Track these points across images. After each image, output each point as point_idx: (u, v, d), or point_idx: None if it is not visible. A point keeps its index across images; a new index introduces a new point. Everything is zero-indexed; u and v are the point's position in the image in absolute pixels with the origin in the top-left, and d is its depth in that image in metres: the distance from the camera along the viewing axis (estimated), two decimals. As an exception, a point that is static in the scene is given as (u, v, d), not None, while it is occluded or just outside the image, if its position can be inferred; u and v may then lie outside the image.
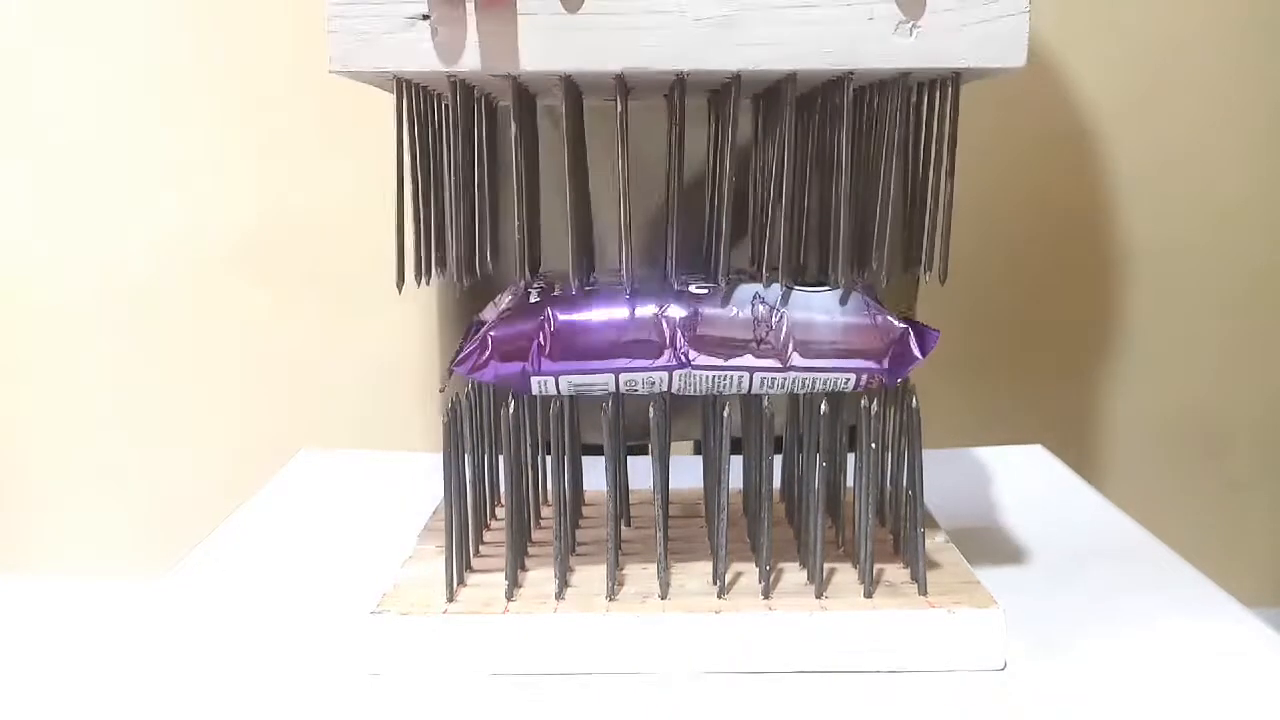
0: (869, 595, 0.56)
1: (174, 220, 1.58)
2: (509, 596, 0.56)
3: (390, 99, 0.56)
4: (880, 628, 0.54)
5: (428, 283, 0.59)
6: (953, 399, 0.93)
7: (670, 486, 0.58)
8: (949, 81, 0.56)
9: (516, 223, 0.56)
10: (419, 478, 0.82)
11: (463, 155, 0.57)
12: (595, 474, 0.62)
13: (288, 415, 1.62)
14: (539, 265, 0.64)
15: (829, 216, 0.59)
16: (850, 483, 0.63)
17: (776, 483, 0.69)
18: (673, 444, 0.62)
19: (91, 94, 1.55)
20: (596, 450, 0.64)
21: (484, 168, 0.58)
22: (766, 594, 0.56)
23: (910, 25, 0.52)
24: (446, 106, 0.58)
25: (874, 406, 0.57)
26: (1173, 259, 1.58)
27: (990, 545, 0.70)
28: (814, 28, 0.52)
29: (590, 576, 0.58)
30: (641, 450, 0.71)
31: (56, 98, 1.56)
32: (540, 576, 0.59)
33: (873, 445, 0.58)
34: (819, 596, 0.56)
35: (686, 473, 0.69)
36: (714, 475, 0.61)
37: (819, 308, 0.56)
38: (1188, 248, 1.58)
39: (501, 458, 0.61)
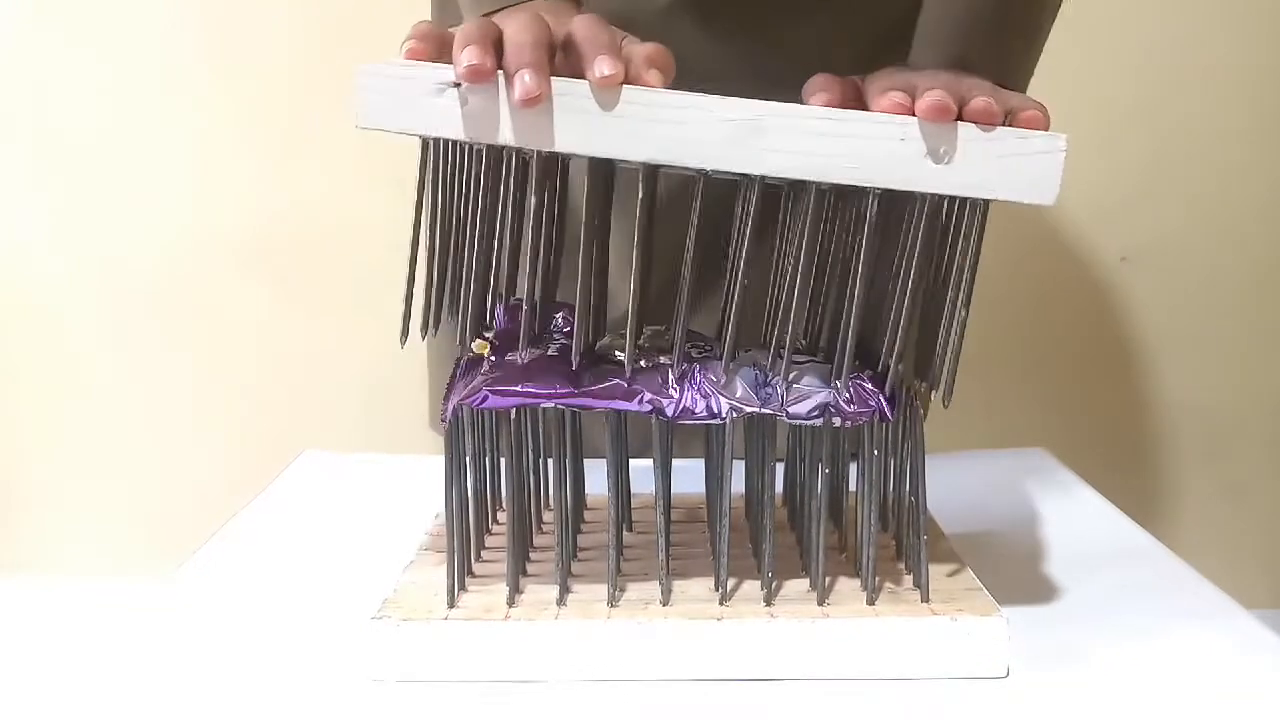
0: (871, 602, 0.56)
1: (177, 221, 1.58)
2: (510, 602, 0.56)
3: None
4: (883, 635, 0.54)
5: (434, 334, 0.59)
6: (953, 404, 0.92)
7: (672, 492, 0.58)
8: (977, 206, 0.54)
9: (528, 286, 0.55)
10: (421, 481, 0.82)
11: (485, 212, 0.55)
12: (597, 479, 0.62)
13: (290, 416, 1.62)
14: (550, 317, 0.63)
15: (842, 314, 0.58)
16: (852, 488, 0.62)
17: (778, 488, 0.68)
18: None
19: (96, 94, 1.55)
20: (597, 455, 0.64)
21: (505, 224, 0.57)
22: (768, 601, 0.56)
23: (943, 151, 0.51)
24: (470, 159, 0.57)
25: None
26: (1173, 260, 1.58)
27: (993, 551, 0.70)
28: (843, 141, 0.51)
29: (592, 583, 0.58)
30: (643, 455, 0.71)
31: (61, 98, 1.56)
32: (541, 582, 0.58)
33: (875, 451, 0.57)
34: (821, 603, 0.56)
35: (688, 478, 0.69)
36: (716, 481, 0.61)
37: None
38: (1188, 249, 1.58)
39: (503, 463, 0.61)
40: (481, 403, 0.55)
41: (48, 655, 0.57)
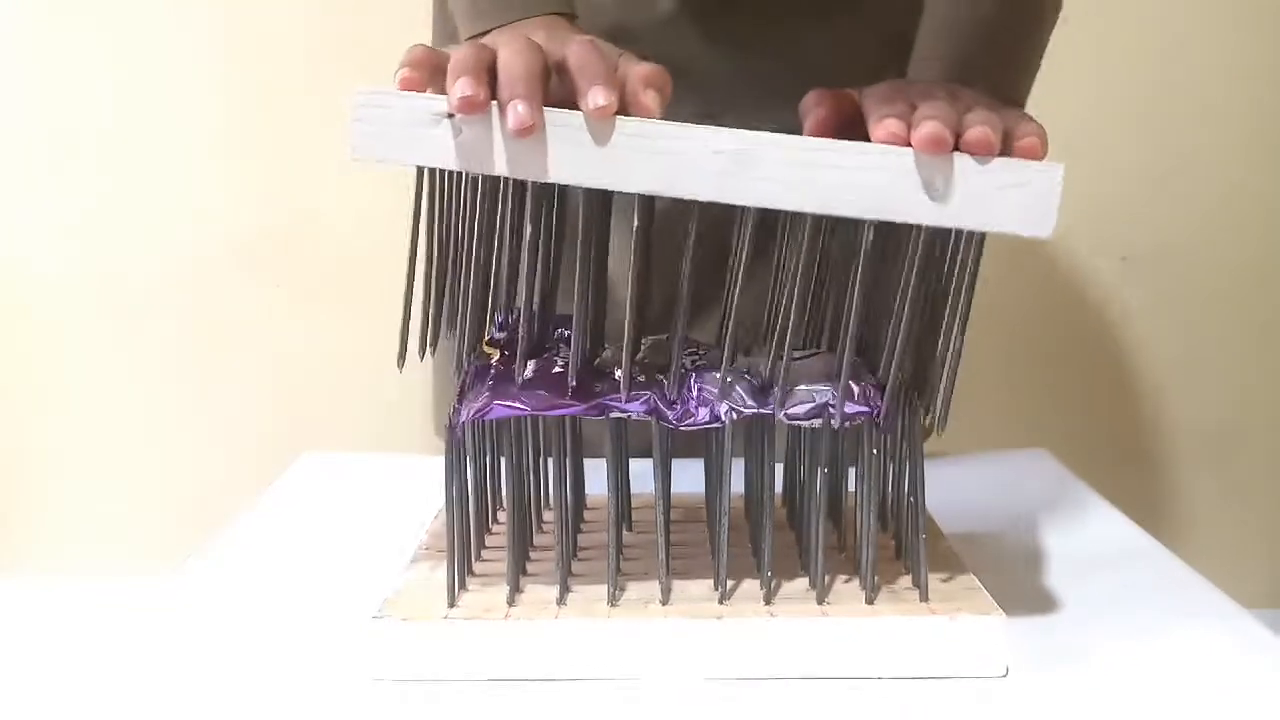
0: (871, 601, 0.56)
1: (177, 222, 1.58)
2: (510, 602, 0.56)
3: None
4: (882, 634, 0.54)
5: (433, 354, 0.59)
6: (953, 404, 0.92)
7: (672, 492, 0.58)
8: (973, 237, 0.53)
9: (525, 308, 0.56)
10: (421, 481, 0.82)
11: (482, 237, 0.55)
12: (596, 478, 0.62)
13: (291, 416, 1.62)
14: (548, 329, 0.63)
15: (839, 330, 0.58)
16: (852, 488, 0.62)
17: (778, 487, 0.68)
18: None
19: (97, 95, 1.55)
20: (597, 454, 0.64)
21: (502, 247, 0.57)
22: (768, 600, 0.56)
23: (938, 185, 0.51)
24: (466, 185, 0.57)
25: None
26: (1174, 260, 1.58)
27: (992, 550, 0.70)
28: (834, 173, 0.51)
29: (592, 582, 0.58)
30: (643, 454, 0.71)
31: (62, 99, 1.56)
32: (541, 582, 0.58)
33: (874, 451, 0.57)
34: (820, 602, 0.56)
35: (688, 477, 0.69)
36: (715, 480, 0.61)
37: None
38: (1189, 248, 1.58)
39: (503, 462, 0.61)
40: (487, 415, 0.55)
41: (48, 655, 0.58)
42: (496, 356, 0.59)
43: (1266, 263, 1.59)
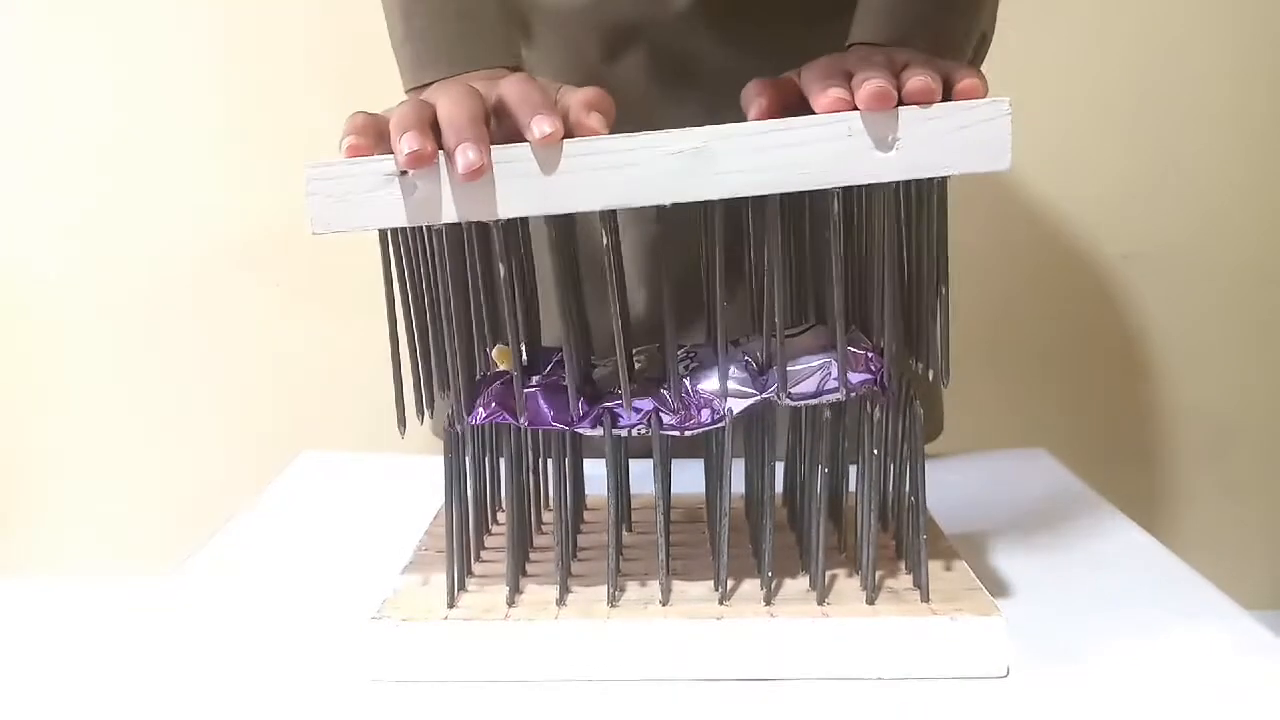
0: (871, 602, 0.56)
1: (176, 221, 1.58)
2: (510, 602, 0.56)
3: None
4: (882, 634, 0.54)
5: (430, 416, 0.59)
6: (953, 404, 0.92)
7: (672, 492, 0.58)
8: (934, 183, 0.54)
9: (512, 343, 0.55)
10: (421, 481, 0.82)
11: (455, 285, 0.55)
12: (596, 479, 0.62)
13: (290, 416, 1.62)
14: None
15: (824, 310, 0.58)
16: (852, 488, 0.62)
17: (778, 487, 0.68)
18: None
19: (97, 96, 1.55)
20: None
21: (479, 294, 0.58)
22: (768, 600, 0.56)
23: (891, 139, 0.51)
24: (431, 238, 0.56)
25: (876, 412, 0.57)
26: (1175, 259, 1.58)
27: (993, 551, 0.70)
28: (790, 150, 0.51)
29: (591, 582, 0.58)
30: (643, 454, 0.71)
31: (62, 99, 1.56)
32: (541, 582, 0.58)
33: (874, 451, 0.57)
34: (821, 603, 0.56)
35: (688, 477, 0.69)
36: (715, 480, 0.61)
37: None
38: (1190, 247, 1.58)
39: (503, 463, 0.61)
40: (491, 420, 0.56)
41: (48, 655, 0.58)
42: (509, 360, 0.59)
43: (1267, 262, 1.59)
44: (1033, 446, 0.96)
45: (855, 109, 0.51)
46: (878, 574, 0.57)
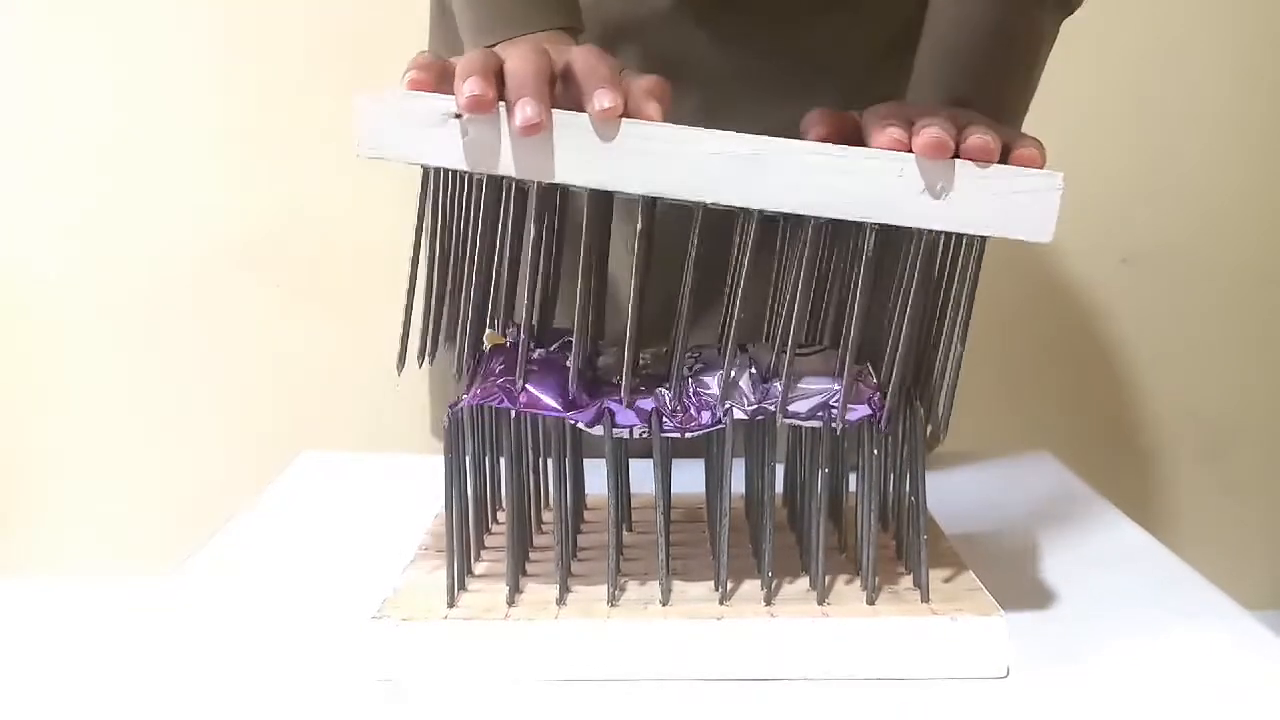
0: (871, 602, 0.56)
1: (177, 221, 1.58)
2: (510, 602, 0.56)
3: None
4: (883, 635, 0.54)
5: (431, 362, 0.59)
6: (954, 405, 0.92)
7: (672, 492, 0.58)
8: (973, 242, 0.54)
9: (526, 314, 0.55)
10: (421, 481, 0.82)
11: (484, 240, 0.56)
12: (596, 478, 0.62)
13: (290, 416, 1.62)
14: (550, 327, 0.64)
15: (841, 334, 0.58)
16: (853, 488, 0.62)
17: (778, 488, 0.68)
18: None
19: (97, 96, 1.55)
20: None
21: (504, 251, 0.57)
22: (768, 601, 0.56)
23: (940, 188, 0.51)
24: (470, 187, 0.57)
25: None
26: (1173, 262, 1.58)
27: (993, 551, 0.70)
28: (840, 176, 0.51)
29: (591, 582, 0.58)
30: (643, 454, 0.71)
31: (64, 98, 1.55)
32: (541, 582, 0.58)
33: (874, 451, 0.57)
34: (821, 603, 0.56)
35: (688, 477, 0.69)
36: (716, 480, 0.61)
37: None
38: (1189, 250, 1.58)
39: (503, 462, 0.61)
40: (487, 402, 0.55)
41: (48, 655, 0.57)
42: (504, 342, 0.59)
43: (1267, 263, 1.59)
44: (1034, 447, 0.96)
45: (911, 152, 0.52)
46: (878, 574, 0.57)
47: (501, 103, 0.52)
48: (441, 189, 0.56)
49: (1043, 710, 0.52)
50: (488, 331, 0.59)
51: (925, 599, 0.56)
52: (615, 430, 0.56)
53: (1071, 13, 0.76)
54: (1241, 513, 1.66)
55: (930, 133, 0.51)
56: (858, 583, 0.58)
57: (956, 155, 0.52)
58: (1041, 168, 0.53)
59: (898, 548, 0.62)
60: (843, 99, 0.87)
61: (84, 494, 1.66)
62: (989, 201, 0.52)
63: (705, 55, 0.84)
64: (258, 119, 1.55)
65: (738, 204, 0.52)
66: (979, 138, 0.52)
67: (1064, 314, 1.60)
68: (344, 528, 0.79)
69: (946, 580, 0.58)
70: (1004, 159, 0.53)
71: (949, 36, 0.73)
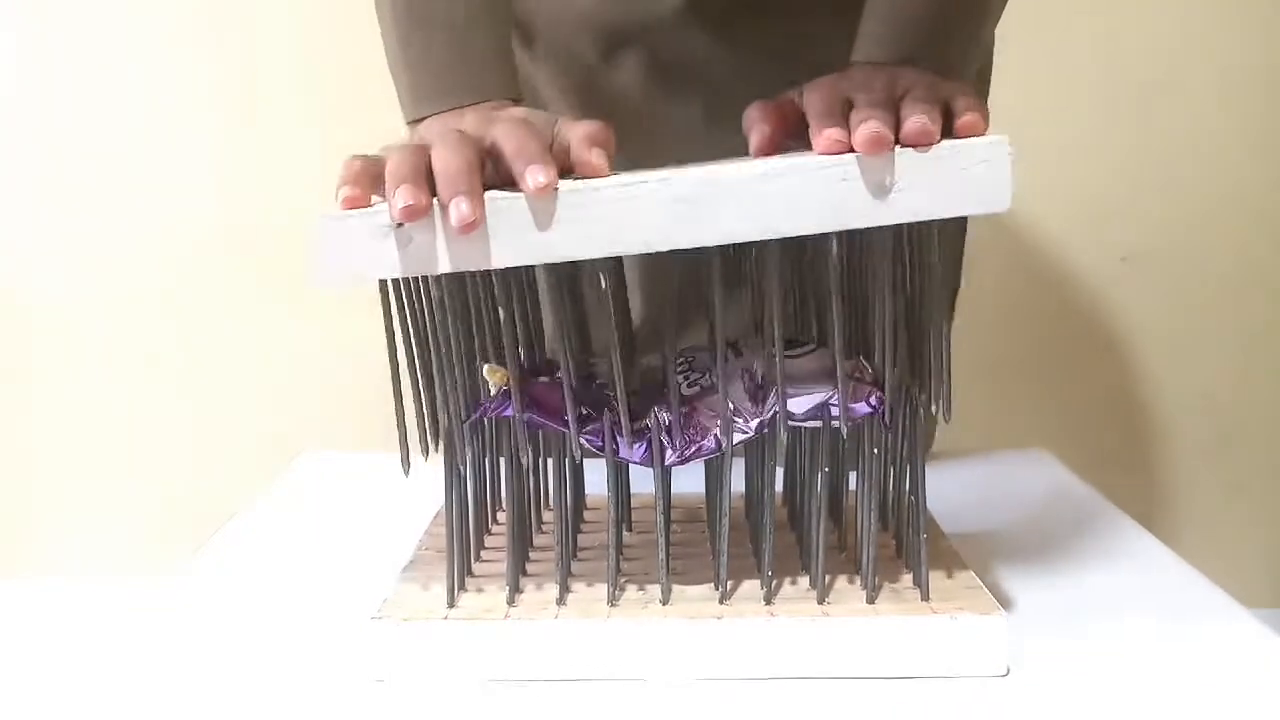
0: (871, 601, 0.56)
1: (176, 222, 1.58)
2: (510, 602, 0.56)
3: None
4: (882, 633, 0.54)
5: (436, 451, 0.59)
6: (953, 404, 0.92)
7: (672, 492, 0.58)
8: (932, 224, 0.53)
9: (513, 378, 0.56)
10: (421, 481, 0.82)
11: (457, 336, 0.56)
12: (596, 479, 0.62)
13: (291, 416, 1.62)
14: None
15: (826, 331, 0.57)
16: (852, 488, 0.62)
17: (778, 487, 0.68)
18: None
19: (97, 97, 1.55)
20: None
21: (483, 333, 0.58)
22: (768, 600, 0.56)
23: (888, 183, 0.50)
24: (431, 283, 0.56)
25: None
26: (1173, 260, 1.58)
27: (992, 550, 0.70)
28: (788, 196, 0.50)
29: (592, 583, 0.58)
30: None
31: (62, 99, 1.56)
32: (541, 582, 0.58)
33: (874, 450, 0.57)
34: (821, 602, 0.56)
35: (688, 478, 0.69)
36: (715, 480, 0.61)
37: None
38: (1188, 249, 1.58)
39: (503, 463, 0.61)
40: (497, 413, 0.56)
41: (50, 655, 0.58)
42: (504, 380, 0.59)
43: (1266, 263, 1.59)
44: (1033, 447, 0.96)
45: (853, 150, 0.51)
46: (878, 574, 0.57)
47: (436, 202, 0.51)
48: (402, 295, 0.56)
49: (1043, 709, 0.52)
50: (486, 366, 0.59)
51: (925, 598, 0.56)
52: (617, 458, 0.56)
53: None
54: (1241, 512, 1.66)
55: (867, 130, 0.50)
56: (858, 582, 0.58)
57: (899, 141, 0.51)
58: (985, 131, 0.52)
59: (898, 547, 0.62)
60: None
61: (85, 494, 1.66)
62: (940, 184, 0.50)
63: (708, 59, 0.84)
64: (258, 120, 1.55)
65: (692, 244, 0.51)
66: (915, 120, 0.51)
67: (1064, 312, 1.59)
68: (344, 528, 0.79)
69: (946, 579, 0.58)
70: (946, 126, 0.52)
71: None
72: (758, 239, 0.51)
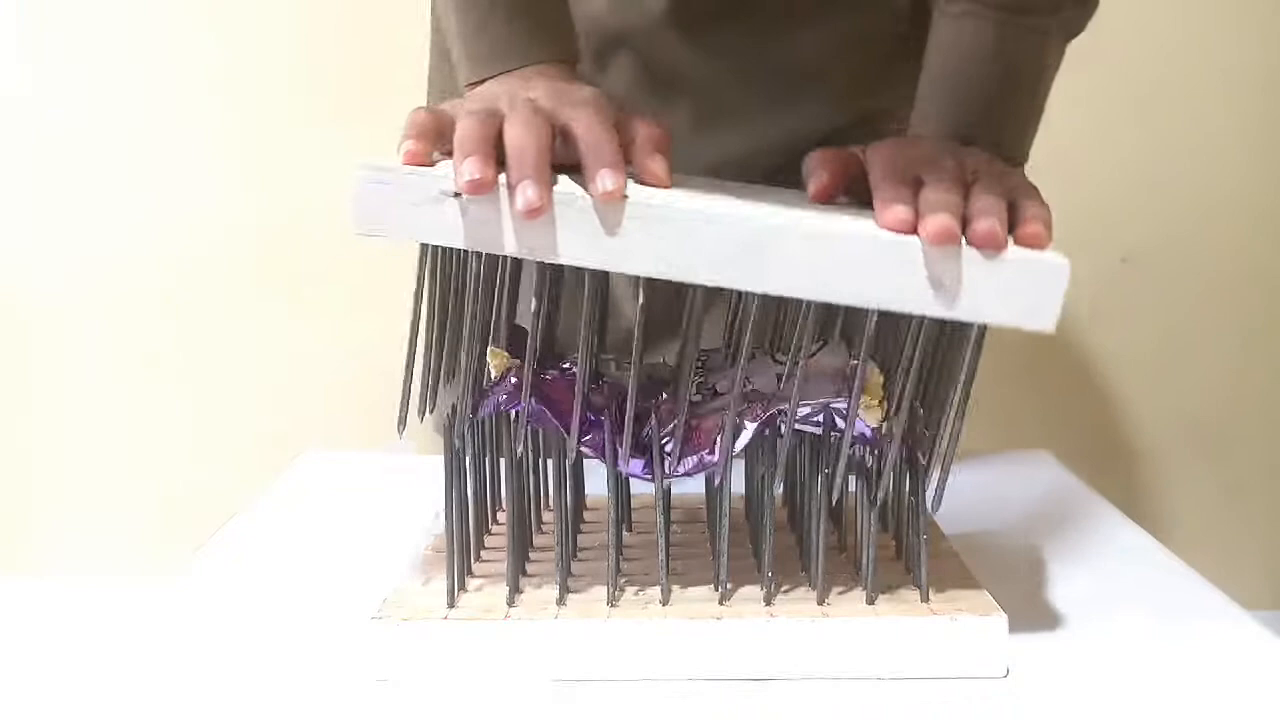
0: (871, 602, 0.56)
1: (177, 222, 1.58)
2: (510, 602, 0.56)
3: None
4: (882, 634, 0.54)
5: (431, 413, 0.59)
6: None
7: (672, 492, 0.58)
8: (975, 325, 0.53)
9: (527, 365, 0.55)
10: (421, 481, 0.82)
11: (482, 306, 0.55)
12: (596, 479, 0.62)
13: (291, 416, 1.62)
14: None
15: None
16: (852, 488, 0.62)
17: (778, 488, 0.68)
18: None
19: (97, 97, 1.55)
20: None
21: (503, 315, 0.58)
22: (768, 600, 0.56)
23: (945, 278, 0.50)
24: (470, 255, 0.56)
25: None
26: (1173, 261, 1.58)
27: (993, 551, 0.70)
28: (844, 263, 0.50)
29: (591, 582, 0.58)
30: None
31: (63, 99, 1.56)
32: (541, 582, 0.58)
33: (874, 451, 0.57)
34: (821, 603, 0.56)
35: (688, 478, 0.69)
36: (715, 480, 0.61)
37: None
38: (1188, 250, 1.58)
39: (503, 463, 0.61)
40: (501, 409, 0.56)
41: (50, 655, 0.58)
42: (504, 364, 0.59)
43: (1265, 263, 1.59)
44: (1033, 447, 0.96)
45: (915, 233, 0.51)
46: (878, 574, 0.57)
47: (503, 178, 0.51)
48: (440, 259, 0.55)
49: (1043, 710, 0.52)
50: (491, 349, 0.59)
51: (925, 599, 0.56)
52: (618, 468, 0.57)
53: (1075, 36, 0.74)
54: (1240, 513, 1.66)
55: (937, 222, 0.50)
56: (858, 583, 0.58)
57: (963, 230, 0.51)
58: (1047, 244, 0.52)
59: (898, 548, 0.62)
60: (833, 108, 0.86)
61: (85, 494, 1.67)
62: (995, 291, 0.51)
63: (696, 64, 0.84)
64: (259, 120, 1.55)
65: (739, 288, 0.52)
66: (986, 224, 0.51)
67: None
68: (345, 527, 0.79)
69: (946, 580, 0.58)
70: (1009, 228, 0.52)
71: (950, 66, 0.70)
72: (801, 297, 0.51)
